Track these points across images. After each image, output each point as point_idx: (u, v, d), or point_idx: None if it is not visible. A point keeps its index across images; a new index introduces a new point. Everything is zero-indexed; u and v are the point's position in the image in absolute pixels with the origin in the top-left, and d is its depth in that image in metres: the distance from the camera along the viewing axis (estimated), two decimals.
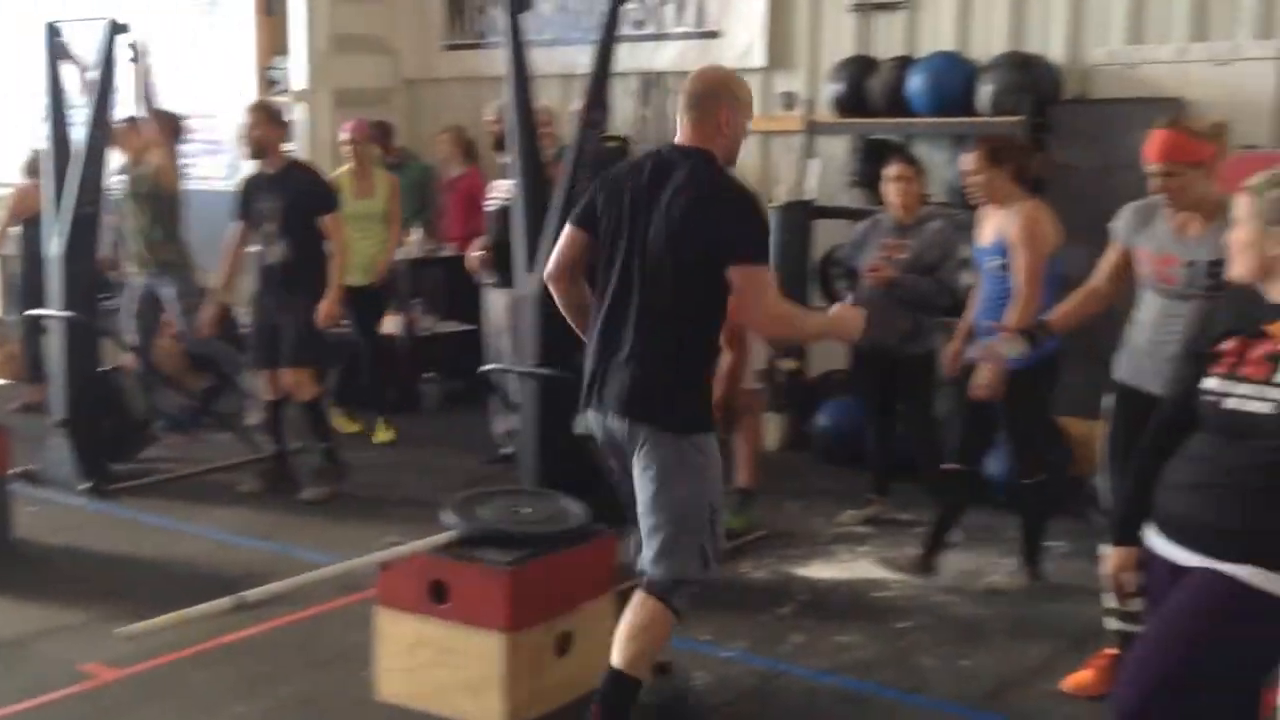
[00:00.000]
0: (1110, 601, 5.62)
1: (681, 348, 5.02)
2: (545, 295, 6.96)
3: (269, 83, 12.90)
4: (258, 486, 9.03)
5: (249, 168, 9.24)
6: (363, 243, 10.10)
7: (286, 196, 8.68)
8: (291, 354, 8.81)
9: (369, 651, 5.82)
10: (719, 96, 5.09)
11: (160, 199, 9.88)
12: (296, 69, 12.47)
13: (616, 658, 5.08)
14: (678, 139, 5.16)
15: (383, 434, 10.52)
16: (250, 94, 12.48)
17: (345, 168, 10.32)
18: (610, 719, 5.05)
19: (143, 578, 7.39)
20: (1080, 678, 5.89)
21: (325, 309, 8.91)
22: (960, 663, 6.27)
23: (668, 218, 4.95)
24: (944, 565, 7.43)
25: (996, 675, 6.11)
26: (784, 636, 6.53)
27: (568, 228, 5.36)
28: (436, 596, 5.57)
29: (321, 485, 8.87)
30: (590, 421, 5.28)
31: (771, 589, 7.19)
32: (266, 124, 8.77)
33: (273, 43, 12.87)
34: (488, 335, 9.60)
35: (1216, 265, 5.24)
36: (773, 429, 10.03)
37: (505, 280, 7.88)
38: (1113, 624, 5.73)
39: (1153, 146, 5.48)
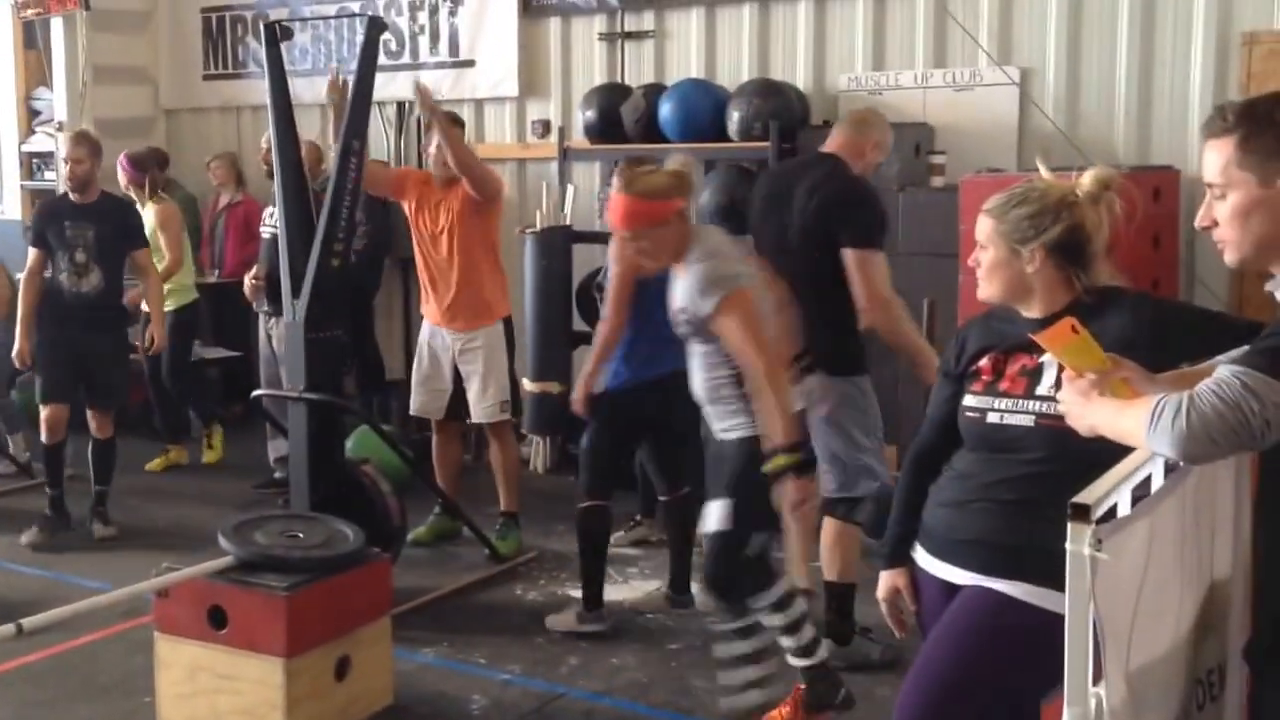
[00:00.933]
0: (787, 641, 5.62)
1: (833, 312, 6.08)
2: (312, 321, 7.09)
3: (32, 113, 12.80)
4: (42, 540, 8.54)
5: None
6: None
7: (102, 226, 8.57)
8: (110, 394, 8.72)
9: (150, 678, 5.85)
10: (870, 126, 6.48)
11: None
12: (58, 100, 12.39)
13: (827, 574, 6.37)
14: (824, 147, 6.49)
15: (171, 459, 10.48)
16: (11, 125, 12.54)
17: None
18: (841, 616, 6.33)
19: None
20: (774, 717, 5.74)
21: (160, 335, 8.93)
22: None
23: (804, 208, 6.18)
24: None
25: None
26: (560, 659, 6.61)
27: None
28: (215, 622, 5.61)
29: (110, 524, 8.70)
30: None
31: (545, 611, 7.17)
32: (93, 158, 8.59)
33: (34, 74, 12.78)
34: (263, 361, 9.59)
35: (680, 313, 5.40)
36: (540, 452, 10.21)
37: (279, 308, 7.92)
38: (795, 661, 5.69)
39: (614, 213, 5.44)
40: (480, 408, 8.16)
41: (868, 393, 6.32)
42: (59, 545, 8.44)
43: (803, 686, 5.74)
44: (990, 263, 3.84)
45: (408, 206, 8.16)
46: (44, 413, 8.69)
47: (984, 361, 3.89)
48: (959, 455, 3.96)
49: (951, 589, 3.86)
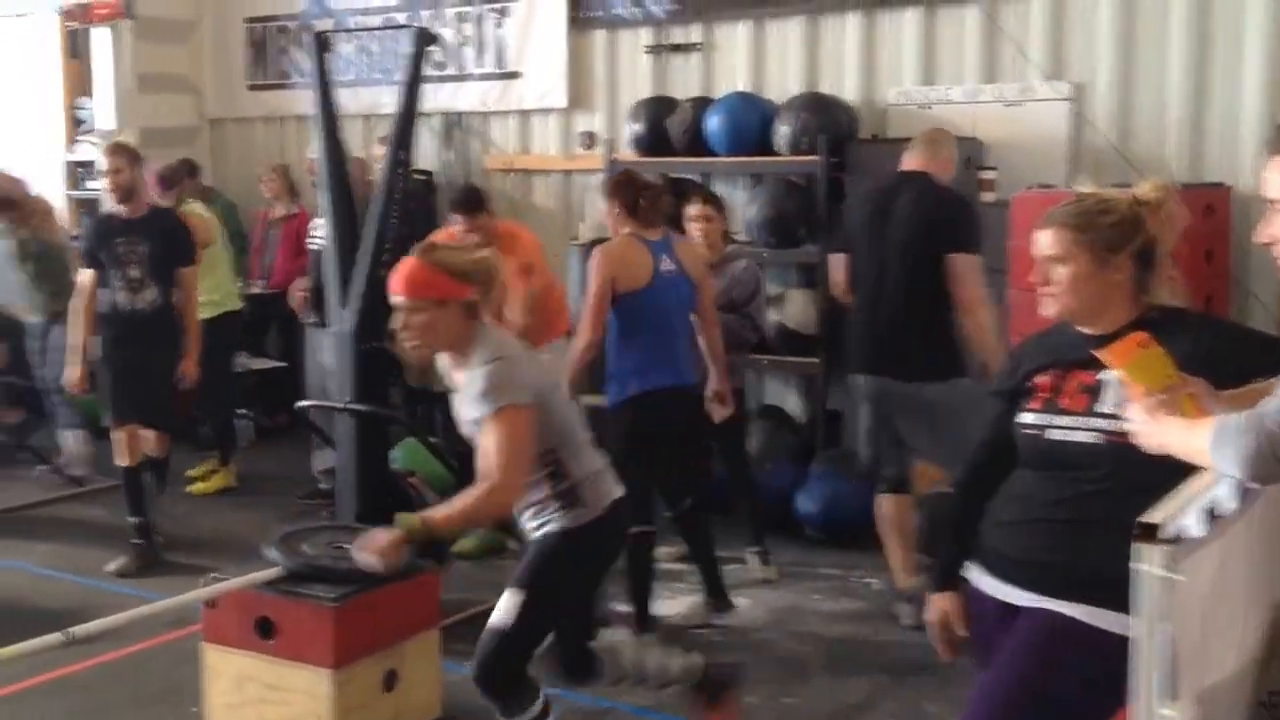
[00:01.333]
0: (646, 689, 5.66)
1: (933, 320, 6.76)
2: (360, 332, 7.07)
3: (76, 123, 12.87)
4: (133, 567, 8.24)
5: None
6: None
7: (155, 241, 8.27)
8: (164, 412, 8.42)
9: (197, 687, 5.86)
10: (942, 144, 7.13)
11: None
12: (103, 109, 12.44)
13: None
14: (905, 166, 7.07)
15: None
16: (56, 135, 12.70)
17: None
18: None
19: None
20: None
21: (193, 371, 8.46)
22: (784, 700, 6.29)
23: (905, 219, 6.79)
24: (762, 602, 7.55)
25: (819, 712, 6.12)
26: None
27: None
28: (263, 633, 5.62)
29: (156, 534, 8.54)
30: (859, 383, 7.15)
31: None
32: (132, 166, 8.28)
33: (78, 84, 12.85)
34: (311, 373, 9.61)
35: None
36: None
37: (326, 319, 7.87)
38: (671, 692, 5.70)
39: (397, 276, 4.91)
40: None
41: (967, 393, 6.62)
42: (100, 554, 8.37)
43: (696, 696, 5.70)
44: (1074, 276, 3.70)
45: None
46: (119, 436, 8.32)
47: (1042, 378, 3.82)
48: (1016, 474, 3.87)
49: (1010, 609, 3.78)
